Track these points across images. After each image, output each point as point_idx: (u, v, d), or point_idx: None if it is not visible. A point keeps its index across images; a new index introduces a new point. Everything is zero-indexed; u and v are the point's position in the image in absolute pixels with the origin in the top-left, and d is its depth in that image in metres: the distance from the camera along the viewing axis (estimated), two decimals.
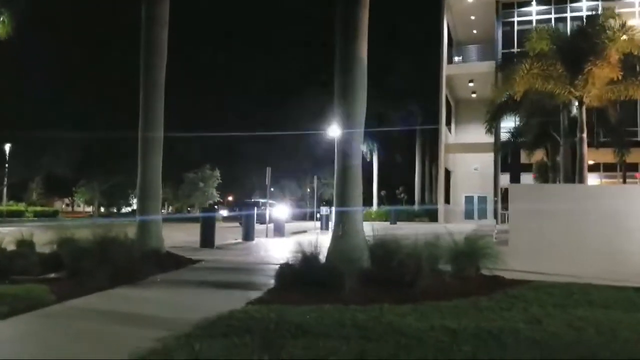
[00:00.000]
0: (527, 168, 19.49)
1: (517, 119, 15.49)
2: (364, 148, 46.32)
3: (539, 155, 17.29)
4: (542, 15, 28.93)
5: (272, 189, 62.17)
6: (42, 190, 49.01)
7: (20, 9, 10.93)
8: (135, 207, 55.75)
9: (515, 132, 15.54)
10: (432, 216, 34.81)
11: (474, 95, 35.40)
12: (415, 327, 4.17)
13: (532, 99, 12.43)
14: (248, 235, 13.66)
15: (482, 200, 36.61)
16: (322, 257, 6.38)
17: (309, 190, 63.05)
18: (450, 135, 36.97)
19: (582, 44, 11.36)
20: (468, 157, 34.14)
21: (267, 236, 15.68)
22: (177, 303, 5.46)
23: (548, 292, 5.61)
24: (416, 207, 42.09)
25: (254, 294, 5.71)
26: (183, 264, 7.88)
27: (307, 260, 6.37)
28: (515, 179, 19.36)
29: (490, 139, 34.93)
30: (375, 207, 43.50)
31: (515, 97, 11.63)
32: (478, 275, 6.47)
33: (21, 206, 41.50)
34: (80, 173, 43.53)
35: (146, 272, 6.95)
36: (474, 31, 34.89)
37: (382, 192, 45.36)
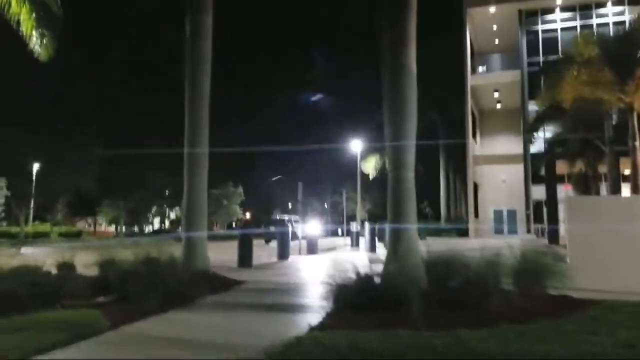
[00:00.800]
0: (562, 179, 18.97)
1: (556, 128, 15.08)
2: (386, 162, 46.24)
3: (575, 165, 16.78)
4: (567, 22, 28.52)
5: (289, 205, 62.41)
6: (66, 210, 49.63)
7: (60, 30, 11.01)
8: (154, 226, 56.09)
9: (552, 142, 15.12)
10: (461, 231, 34.20)
11: (498, 106, 34.95)
12: (501, 353, 3.89)
13: (575, 106, 12.05)
14: (283, 254, 13.45)
15: (511, 214, 35.90)
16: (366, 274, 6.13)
17: (326, 206, 62.79)
18: (475, 147, 36.50)
19: (632, 49, 11.00)
20: (494, 169, 33.62)
21: (300, 253, 15.45)
22: (238, 328, 5.25)
23: (628, 313, 5.26)
24: (442, 221, 41.49)
25: (313, 318, 5.47)
26: (230, 286, 7.69)
27: (363, 280, 6.14)
28: (551, 191, 18.83)
29: (518, 149, 34.49)
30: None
31: (563, 105, 11.28)
32: (545, 295, 6.13)
33: (47, 226, 42.08)
34: (106, 191, 43.94)
35: (196, 294, 6.78)
36: (496, 41, 34.56)
37: None
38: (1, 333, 4.91)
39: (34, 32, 10.80)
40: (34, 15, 10.75)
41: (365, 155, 45.09)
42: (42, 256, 9.06)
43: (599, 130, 13.35)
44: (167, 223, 59.91)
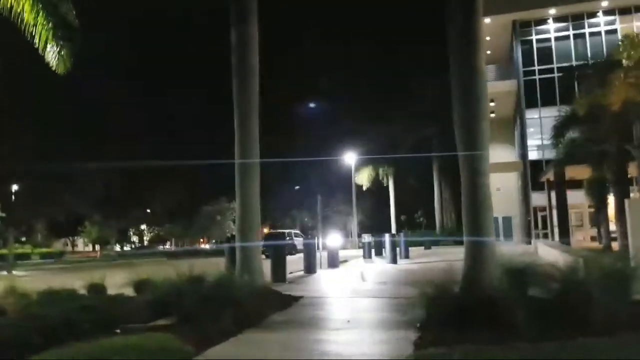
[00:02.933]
0: (570, 185, 19.11)
1: (579, 132, 15.15)
2: (380, 173, 46.29)
3: (584, 171, 16.85)
4: (560, 32, 29.00)
5: (274, 219, 62.00)
6: (45, 232, 48.24)
7: (78, 43, 10.58)
8: (131, 245, 54.77)
9: (571, 148, 15.16)
10: (459, 240, 34.25)
11: (492, 115, 35.23)
12: None
13: (610, 111, 12.11)
14: (310, 268, 13.09)
15: (507, 221, 36.06)
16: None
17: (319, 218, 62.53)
18: None
19: None
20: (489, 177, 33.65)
21: (320, 267, 15.09)
22: (336, 348, 4.91)
23: None
24: (438, 231, 41.53)
25: (407, 334, 5.18)
26: (288, 302, 7.33)
27: (446, 291, 5.87)
28: (561, 197, 18.94)
29: (511, 157, 34.75)
30: (393, 231, 42.85)
31: (614, 108, 11.27)
32: (635, 302, 5.92)
33: (27, 248, 40.76)
34: (102, 210, 42.74)
35: (264, 312, 6.42)
36: (488, 52, 34.94)
37: (402, 217, 44.77)
38: None
39: (49, 44, 10.34)
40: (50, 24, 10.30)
41: (358, 167, 45.18)
42: (42, 279, 8.56)
43: (628, 134, 13.49)
44: (144, 240, 58.51)
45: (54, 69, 10.50)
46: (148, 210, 49.19)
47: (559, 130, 15.21)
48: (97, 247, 52.04)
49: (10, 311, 6.44)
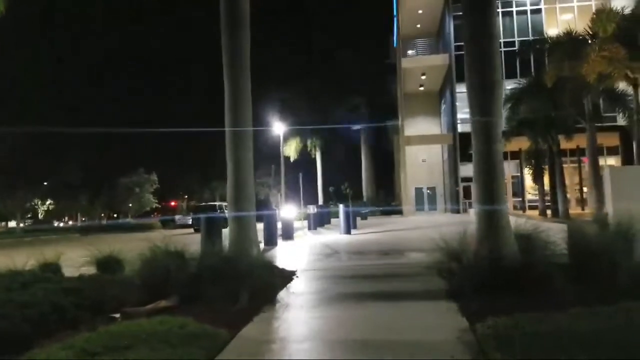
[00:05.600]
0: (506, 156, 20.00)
1: (529, 105, 15.73)
2: (308, 144, 46.05)
3: (523, 143, 17.76)
4: None
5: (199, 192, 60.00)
6: None
7: None
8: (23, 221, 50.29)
9: (520, 120, 15.79)
10: (386, 211, 35.30)
11: (421, 89, 36.16)
12: None
13: (559, 83, 12.67)
14: (271, 239, 12.61)
15: (432, 191, 37.64)
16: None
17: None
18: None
19: None
20: (414, 150, 34.54)
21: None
22: (384, 322, 4.59)
23: None
24: (366, 202, 42.32)
25: (446, 305, 5.01)
26: (288, 276, 6.88)
27: (472, 259, 5.77)
28: None
29: (436, 130, 35.99)
30: (320, 203, 43.03)
31: (588, 80, 11.72)
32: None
33: None
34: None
35: (270, 287, 5.93)
36: (418, 25, 35.58)
37: (331, 188, 45.06)
38: (112, 351, 3.84)
39: None
40: None
41: (287, 138, 44.57)
42: None
43: (578, 106, 14.27)
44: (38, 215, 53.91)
45: None
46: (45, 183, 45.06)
47: (515, 102, 15.75)
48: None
49: None
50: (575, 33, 13.73)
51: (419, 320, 4.58)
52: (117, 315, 5.24)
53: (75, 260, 8.67)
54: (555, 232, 6.84)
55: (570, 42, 13.27)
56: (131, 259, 7.67)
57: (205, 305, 5.39)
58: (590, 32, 13.05)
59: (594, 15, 12.59)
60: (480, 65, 6.28)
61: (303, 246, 12.51)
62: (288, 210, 15.03)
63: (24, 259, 7.55)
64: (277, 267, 7.03)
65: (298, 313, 5.12)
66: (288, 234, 14.74)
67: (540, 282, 5.15)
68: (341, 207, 15.99)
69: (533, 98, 15.21)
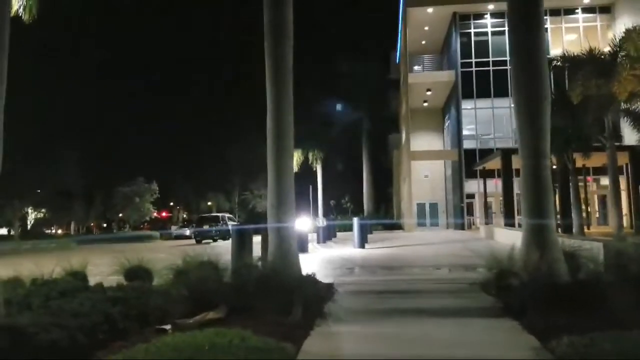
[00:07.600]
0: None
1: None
2: (310, 157, 46.03)
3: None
4: (497, 27, 30.33)
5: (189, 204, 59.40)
6: None
7: None
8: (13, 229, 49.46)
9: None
10: (387, 225, 35.18)
11: (425, 104, 36.27)
12: None
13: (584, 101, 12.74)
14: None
15: (433, 207, 37.49)
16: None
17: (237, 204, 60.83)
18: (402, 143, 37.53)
19: None
20: (417, 165, 34.51)
21: None
22: (444, 340, 4.47)
23: None
24: (367, 216, 42.20)
25: (508, 323, 4.90)
26: (329, 289, 6.74)
27: (529, 277, 5.69)
28: (508, 184, 19.90)
29: (439, 146, 36.01)
30: (320, 217, 42.81)
31: (620, 98, 11.79)
32: None
33: None
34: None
35: (317, 300, 5.79)
36: (423, 42, 35.80)
37: (332, 202, 44.92)
38: None
39: None
40: None
41: None
42: None
43: (599, 125, 14.38)
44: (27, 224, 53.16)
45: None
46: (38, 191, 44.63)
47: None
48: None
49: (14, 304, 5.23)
50: (599, 52, 13.88)
51: (486, 337, 4.46)
52: (166, 327, 5.09)
53: (98, 269, 8.52)
54: (586, 249, 6.80)
55: (596, 61, 13.38)
56: (159, 269, 7.56)
57: (254, 318, 5.25)
58: (617, 50, 13.21)
59: (624, 34, 12.74)
60: (531, 80, 6.25)
61: (321, 260, 12.37)
62: (302, 223, 14.87)
63: (50, 266, 7.41)
64: (313, 279, 6.88)
65: (353, 328, 4.99)
66: (302, 247, 14.55)
67: (595, 300, 5.06)
68: (355, 220, 15.85)
69: (552, 114, 15.17)
